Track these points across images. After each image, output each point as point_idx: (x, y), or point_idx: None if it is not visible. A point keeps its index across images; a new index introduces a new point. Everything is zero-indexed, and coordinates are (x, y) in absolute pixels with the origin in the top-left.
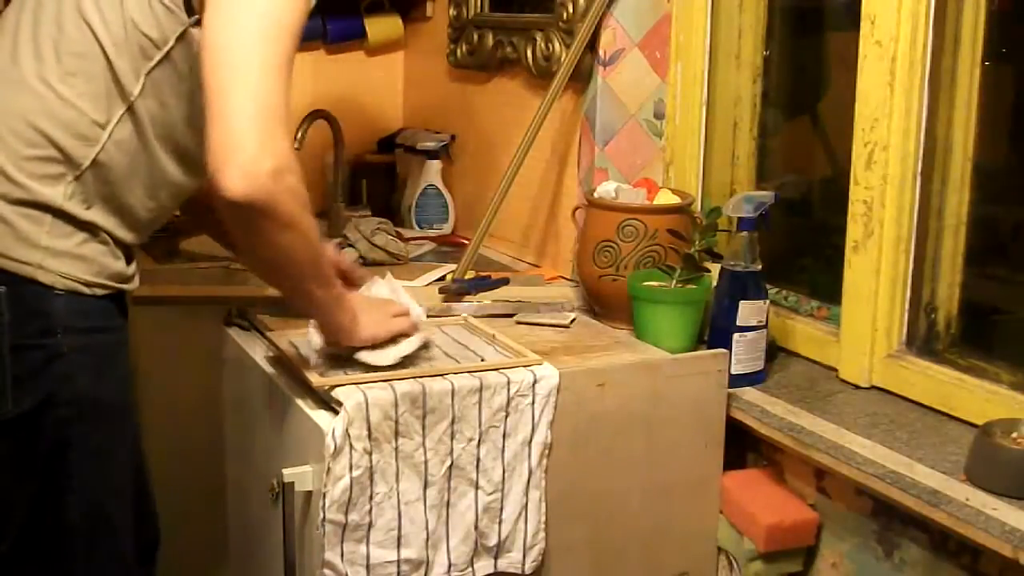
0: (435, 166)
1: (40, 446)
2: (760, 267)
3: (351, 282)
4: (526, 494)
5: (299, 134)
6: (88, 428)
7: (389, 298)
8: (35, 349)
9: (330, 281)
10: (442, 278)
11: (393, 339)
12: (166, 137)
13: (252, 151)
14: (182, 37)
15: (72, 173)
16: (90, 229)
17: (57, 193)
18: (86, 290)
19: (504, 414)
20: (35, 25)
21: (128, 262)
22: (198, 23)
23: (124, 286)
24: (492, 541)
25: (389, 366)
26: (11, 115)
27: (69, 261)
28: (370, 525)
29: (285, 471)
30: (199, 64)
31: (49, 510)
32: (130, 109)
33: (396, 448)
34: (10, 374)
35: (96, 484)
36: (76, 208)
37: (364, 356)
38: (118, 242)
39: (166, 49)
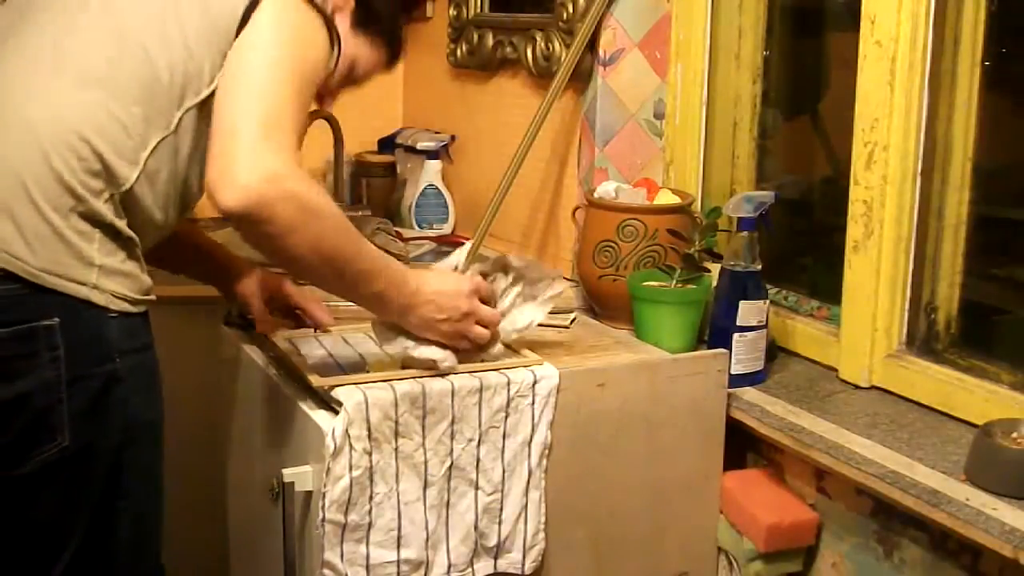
0: (435, 166)
1: (96, 473)
2: (760, 267)
3: (301, 317)
4: (526, 494)
5: None
6: (139, 450)
7: (484, 292)
8: (93, 378)
9: (368, 278)
10: None
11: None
12: (194, 166)
13: (244, 163)
14: None
15: (111, 191)
16: (129, 245)
17: (104, 207)
18: (133, 308)
19: (504, 414)
20: (87, 41)
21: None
22: None
23: (152, 298)
24: (492, 541)
25: (391, 355)
26: (61, 125)
27: (118, 279)
28: (370, 525)
29: (285, 471)
30: None
31: (102, 533)
32: (164, 140)
33: (396, 448)
34: (67, 409)
35: (142, 503)
36: (120, 223)
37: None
38: (143, 256)
39: (214, 87)
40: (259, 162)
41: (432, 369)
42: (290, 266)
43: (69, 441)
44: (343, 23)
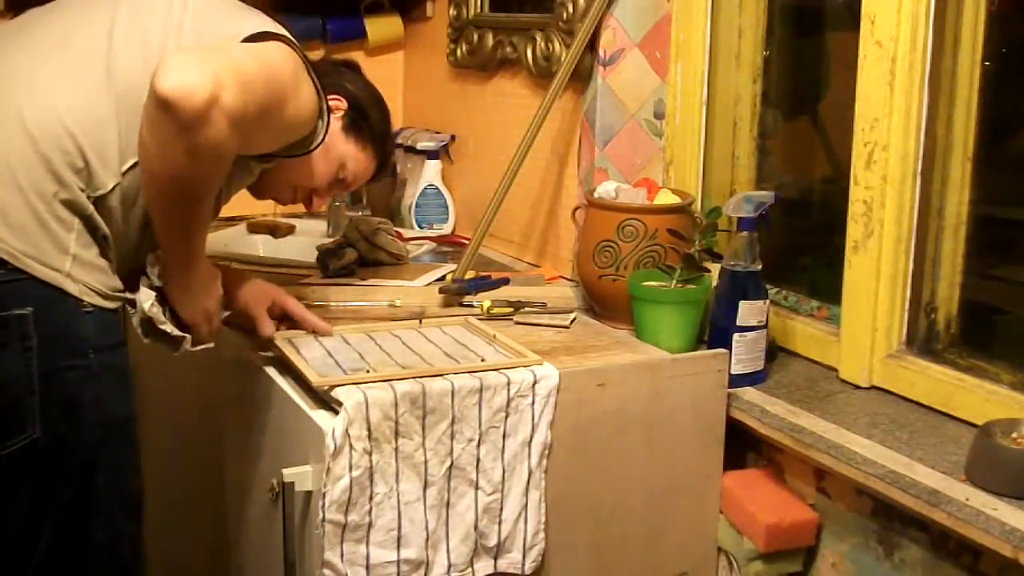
0: (435, 166)
1: (69, 471)
2: (760, 267)
3: (297, 325)
4: (526, 494)
5: None
6: (113, 449)
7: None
8: (67, 372)
9: (199, 234)
10: (442, 278)
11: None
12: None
13: (207, 68)
14: None
15: (89, 192)
16: (104, 243)
17: (85, 200)
18: (105, 303)
19: (504, 414)
20: (92, 49)
21: None
22: None
23: (125, 296)
24: (492, 541)
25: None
26: (52, 115)
27: (91, 272)
28: (370, 525)
29: (285, 471)
30: None
31: (75, 533)
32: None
33: (396, 448)
34: (39, 401)
35: (116, 502)
36: (98, 218)
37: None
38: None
39: None
40: (219, 78)
41: (175, 346)
42: (158, 184)
43: (40, 434)
44: (336, 123)
